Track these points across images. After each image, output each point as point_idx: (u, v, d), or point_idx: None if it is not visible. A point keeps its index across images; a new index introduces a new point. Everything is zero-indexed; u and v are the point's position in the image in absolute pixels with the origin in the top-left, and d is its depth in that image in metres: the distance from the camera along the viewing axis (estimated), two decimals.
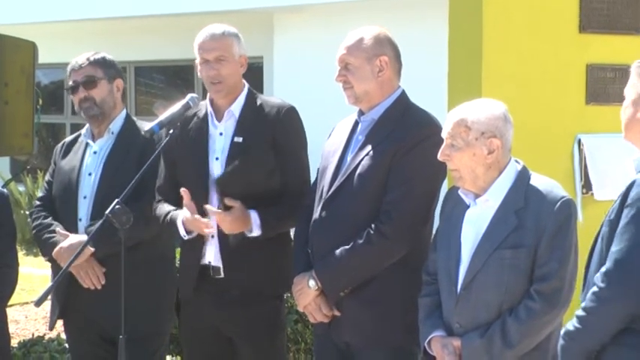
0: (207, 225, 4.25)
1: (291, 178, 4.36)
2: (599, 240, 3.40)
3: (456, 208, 3.80)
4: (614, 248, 3.28)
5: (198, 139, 4.43)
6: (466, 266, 3.69)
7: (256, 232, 4.29)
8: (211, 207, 4.26)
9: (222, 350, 4.49)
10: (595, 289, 3.31)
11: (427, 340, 3.78)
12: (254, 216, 4.27)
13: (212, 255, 4.39)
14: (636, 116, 3.43)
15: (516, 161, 3.76)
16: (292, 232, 4.46)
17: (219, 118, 4.43)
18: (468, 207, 3.75)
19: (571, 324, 3.40)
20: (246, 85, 4.49)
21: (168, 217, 4.42)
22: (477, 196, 3.73)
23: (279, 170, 4.34)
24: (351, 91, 4.11)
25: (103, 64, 4.82)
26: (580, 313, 3.36)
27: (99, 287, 4.64)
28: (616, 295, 3.26)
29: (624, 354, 3.31)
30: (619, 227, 3.29)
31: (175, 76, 15.51)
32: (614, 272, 3.26)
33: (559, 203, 3.62)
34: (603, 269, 3.29)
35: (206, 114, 4.46)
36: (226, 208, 4.28)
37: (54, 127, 16.33)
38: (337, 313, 4.09)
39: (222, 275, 4.38)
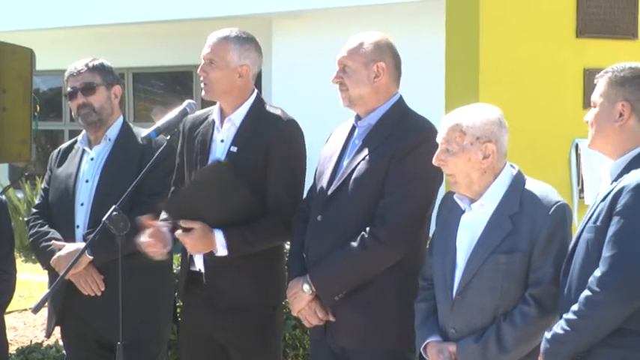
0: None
1: (280, 194, 4.28)
2: (584, 245, 3.40)
3: (452, 213, 3.80)
4: (607, 254, 3.29)
5: (203, 143, 4.43)
6: (461, 271, 3.69)
7: (222, 252, 4.23)
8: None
9: (217, 357, 4.46)
10: (588, 293, 3.31)
11: (423, 345, 3.78)
12: (218, 236, 4.21)
13: (200, 262, 4.37)
14: (614, 126, 3.45)
15: (511, 166, 3.76)
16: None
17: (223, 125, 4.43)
18: (464, 212, 3.75)
19: (559, 327, 3.40)
20: (255, 94, 4.43)
21: None
22: (472, 200, 3.73)
23: (269, 184, 4.29)
24: (345, 94, 4.12)
25: (101, 70, 4.82)
26: (570, 316, 3.36)
27: (98, 294, 4.63)
28: (612, 300, 3.27)
29: (614, 354, 3.32)
30: (610, 233, 3.30)
31: (174, 82, 15.53)
32: (610, 277, 3.27)
33: (554, 208, 3.62)
34: (597, 274, 3.30)
35: (214, 119, 4.46)
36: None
37: (52, 134, 16.34)
38: (332, 319, 4.08)
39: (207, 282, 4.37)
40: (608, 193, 3.37)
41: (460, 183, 3.71)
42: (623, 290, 3.25)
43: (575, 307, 3.35)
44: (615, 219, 3.29)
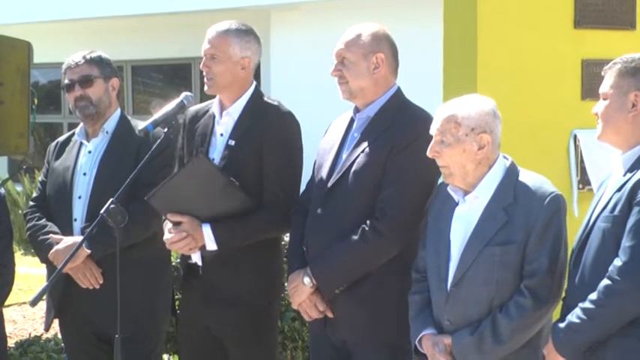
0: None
1: (276, 188, 4.28)
2: (600, 235, 3.40)
3: (445, 205, 3.79)
4: (628, 243, 3.30)
5: (203, 136, 4.44)
6: (456, 263, 3.68)
7: (211, 246, 4.23)
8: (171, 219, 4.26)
9: (215, 351, 4.46)
10: (608, 282, 3.31)
11: (418, 338, 3.77)
12: (206, 230, 4.21)
13: (197, 255, 4.38)
14: (627, 117, 3.45)
15: (505, 157, 3.75)
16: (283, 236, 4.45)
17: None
18: (457, 204, 3.74)
19: (574, 316, 3.40)
20: (253, 86, 4.44)
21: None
22: (465, 192, 3.72)
23: (265, 178, 4.28)
24: (345, 87, 4.11)
25: (99, 62, 4.80)
26: (588, 305, 3.36)
27: (97, 287, 4.63)
28: (632, 289, 3.28)
29: (627, 344, 3.33)
30: (631, 223, 3.31)
31: (173, 75, 15.51)
32: (630, 266, 3.28)
33: (548, 199, 3.61)
34: (618, 263, 3.30)
35: (214, 112, 4.46)
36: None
37: (52, 127, 16.32)
38: (330, 315, 4.08)
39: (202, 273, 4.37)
40: (624, 184, 3.38)
41: (455, 174, 3.69)
42: None
43: (593, 296, 3.35)
44: (635, 209, 3.31)
